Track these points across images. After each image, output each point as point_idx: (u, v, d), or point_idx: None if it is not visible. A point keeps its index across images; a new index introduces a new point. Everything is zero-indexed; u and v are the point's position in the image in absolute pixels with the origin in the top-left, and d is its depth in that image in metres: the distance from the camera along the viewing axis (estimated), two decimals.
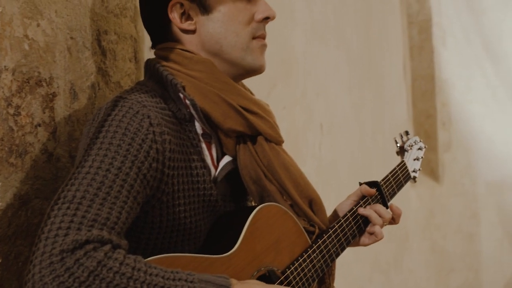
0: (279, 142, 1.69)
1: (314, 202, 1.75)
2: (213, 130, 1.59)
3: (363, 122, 4.03)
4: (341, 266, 3.60)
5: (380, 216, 1.86)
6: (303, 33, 3.08)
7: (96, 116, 1.45)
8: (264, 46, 1.67)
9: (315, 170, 3.21)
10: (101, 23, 1.70)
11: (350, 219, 1.82)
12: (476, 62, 6.74)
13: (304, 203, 1.72)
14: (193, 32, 1.60)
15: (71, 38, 1.59)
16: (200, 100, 1.55)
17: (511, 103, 6.90)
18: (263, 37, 1.66)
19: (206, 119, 1.56)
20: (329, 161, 3.40)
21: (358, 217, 1.84)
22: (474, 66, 6.72)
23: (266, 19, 1.65)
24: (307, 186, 1.73)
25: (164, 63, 1.58)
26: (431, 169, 6.27)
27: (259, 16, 1.63)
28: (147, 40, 1.90)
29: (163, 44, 1.63)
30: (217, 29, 1.59)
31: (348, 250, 3.67)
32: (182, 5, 1.58)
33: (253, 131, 1.63)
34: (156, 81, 1.57)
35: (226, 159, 1.64)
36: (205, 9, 1.58)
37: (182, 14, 1.59)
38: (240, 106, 1.59)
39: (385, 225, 1.90)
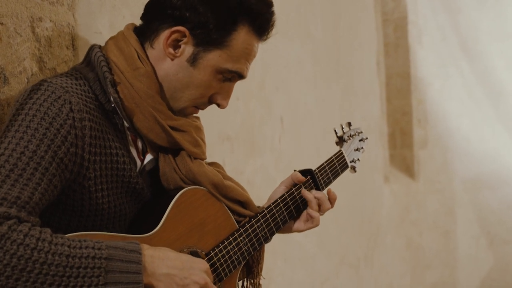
0: (201, 158, 1.74)
1: (246, 204, 1.80)
2: (137, 132, 1.64)
3: (330, 118, 4.06)
4: (304, 258, 3.65)
5: (321, 203, 1.89)
6: None
7: (20, 97, 1.48)
8: (195, 113, 1.73)
9: (274, 163, 3.24)
10: (34, 10, 1.72)
11: (281, 204, 1.86)
12: (453, 61, 6.79)
13: (229, 202, 1.76)
14: (168, 58, 1.63)
15: (1, 23, 1.62)
16: (130, 106, 1.58)
17: (487, 101, 6.95)
18: (202, 109, 1.72)
19: (131, 121, 1.60)
20: (291, 155, 3.43)
21: (290, 203, 1.88)
22: (450, 64, 6.77)
23: (217, 105, 1.71)
24: (234, 191, 1.76)
25: (113, 55, 1.60)
26: (407, 166, 6.31)
27: (216, 101, 1.69)
28: (85, 28, 1.93)
29: (140, 29, 1.67)
30: (184, 80, 1.63)
31: (313, 242, 3.72)
32: (184, 36, 1.60)
33: (175, 146, 1.68)
34: (92, 69, 1.60)
35: (151, 155, 1.69)
36: (193, 61, 1.62)
37: (176, 41, 1.61)
38: (169, 126, 1.63)
39: (323, 213, 1.93)
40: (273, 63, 3.30)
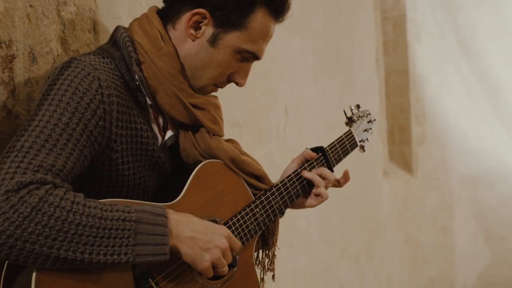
0: (219, 135, 1.84)
1: (262, 178, 1.89)
2: (159, 108, 1.72)
3: (331, 112, 4.14)
4: (307, 244, 3.73)
5: (324, 178, 1.98)
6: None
7: (51, 74, 1.57)
8: (214, 91, 1.82)
9: (279, 151, 3.33)
10: None
11: (294, 179, 1.95)
12: (451, 59, 6.87)
13: (246, 176, 1.85)
14: (189, 39, 1.71)
15: (31, 6, 1.71)
16: (154, 84, 1.67)
17: (485, 99, 7.03)
18: (221, 87, 1.82)
19: (154, 99, 1.69)
20: (295, 144, 3.52)
21: (302, 178, 1.97)
22: (448, 62, 6.85)
23: (236, 83, 1.80)
24: (250, 165, 1.86)
25: (138, 36, 1.69)
26: (405, 162, 6.39)
27: (235, 79, 1.79)
28: (107, 14, 2.02)
29: (163, 11, 1.75)
30: (204, 59, 1.72)
31: (315, 230, 3.80)
32: (205, 18, 1.69)
33: (195, 123, 1.77)
34: (118, 48, 1.69)
35: (171, 132, 1.78)
36: (213, 42, 1.71)
37: (197, 22, 1.70)
38: (190, 103, 1.72)
39: (330, 186, 2.02)
40: (278, 54, 3.39)
